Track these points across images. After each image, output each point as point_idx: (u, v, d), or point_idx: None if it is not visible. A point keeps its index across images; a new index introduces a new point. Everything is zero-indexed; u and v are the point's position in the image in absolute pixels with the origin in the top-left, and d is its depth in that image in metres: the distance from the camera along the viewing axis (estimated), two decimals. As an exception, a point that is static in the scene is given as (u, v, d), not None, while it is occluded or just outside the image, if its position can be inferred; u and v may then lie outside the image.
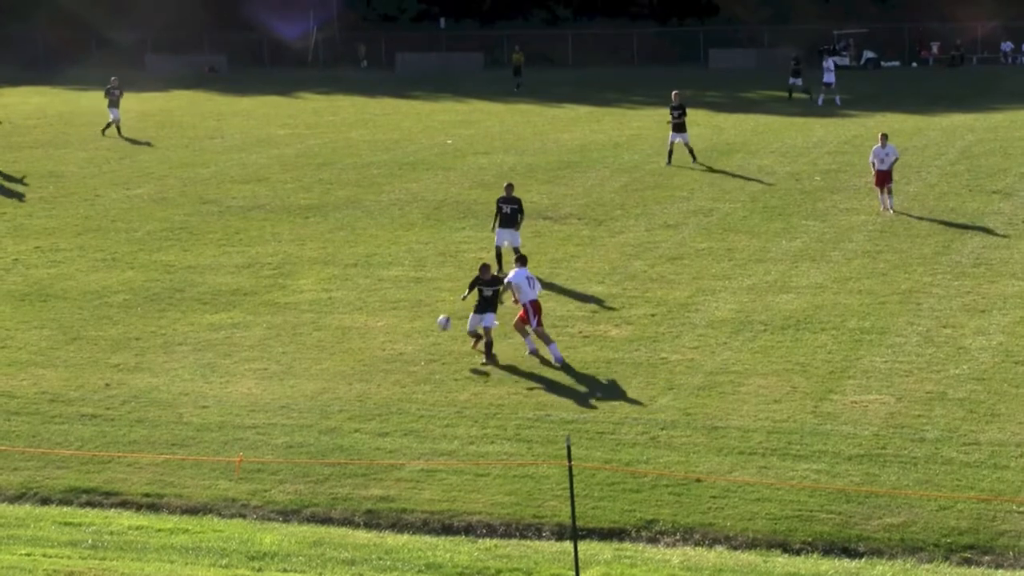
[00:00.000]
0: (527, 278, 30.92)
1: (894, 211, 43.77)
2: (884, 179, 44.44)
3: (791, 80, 79.41)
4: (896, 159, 44.70)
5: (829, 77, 76.15)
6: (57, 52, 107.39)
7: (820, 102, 75.33)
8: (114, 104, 65.88)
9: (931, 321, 32.55)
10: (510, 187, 38.57)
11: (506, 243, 37.66)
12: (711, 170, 52.92)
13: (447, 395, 28.40)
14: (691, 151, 54.80)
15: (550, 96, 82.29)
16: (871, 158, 44.89)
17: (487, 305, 30.91)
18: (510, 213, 37.72)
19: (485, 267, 31.66)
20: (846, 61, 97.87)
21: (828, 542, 21.72)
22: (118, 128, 65.65)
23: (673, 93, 55.83)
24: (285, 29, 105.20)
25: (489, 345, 30.67)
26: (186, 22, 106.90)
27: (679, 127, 54.87)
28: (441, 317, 31.49)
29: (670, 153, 54.98)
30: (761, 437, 25.65)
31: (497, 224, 37.90)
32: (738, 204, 46.71)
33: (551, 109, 76.00)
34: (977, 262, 37.83)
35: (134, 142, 63.71)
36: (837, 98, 75.61)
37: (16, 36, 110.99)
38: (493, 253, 37.92)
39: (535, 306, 30.66)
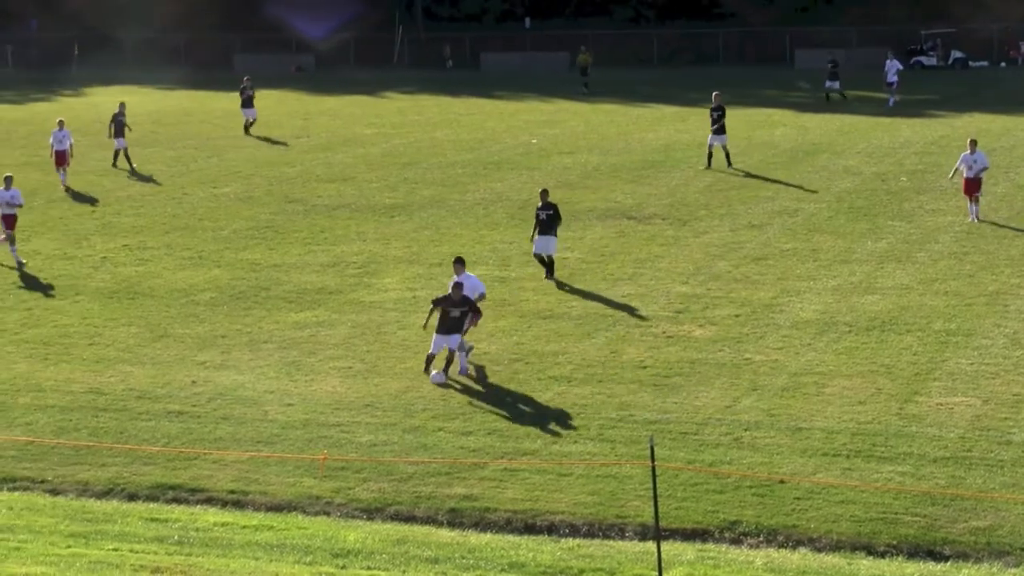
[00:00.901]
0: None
1: (978, 220, 42.82)
2: (971, 187, 43.43)
3: (827, 83, 78.61)
4: (985, 168, 43.36)
5: (892, 77, 75.23)
6: (146, 53, 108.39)
7: (892, 103, 74.53)
8: (247, 104, 66.50)
9: (1018, 323, 32.27)
10: (545, 193, 37.78)
11: (544, 252, 37.25)
12: (749, 175, 52.52)
13: (530, 394, 28.44)
14: (727, 155, 54.22)
15: (634, 96, 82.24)
16: (959, 164, 43.90)
17: (455, 326, 29.73)
18: (547, 220, 37.03)
19: (457, 286, 30.25)
20: (934, 61, 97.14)
21: (913, 545, 21.57)
22: (247, 127, 66.24)
23: (713, 94, 55.39)
24: (365, 24, 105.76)
25: (449, 362, 29.63)
26: (274, 23, 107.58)
27: (719, 130, 54.17)
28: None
29: (709, 156, 54.39)
30: (845, 439, 25.52)
31: (536, 232, 37.38)
32: (823, 204, 46.48)
33: (635, 109, 75.94)
34: (1066, 264, 37.49)
35: (272, 142, 64.17)
36: (891, 99, 74.70)
37: (108, 37, 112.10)
38: (540, 259, 37.46)
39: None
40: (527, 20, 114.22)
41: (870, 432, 25.80)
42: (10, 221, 40.58)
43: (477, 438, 26.18)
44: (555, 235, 37.26)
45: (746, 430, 26.14)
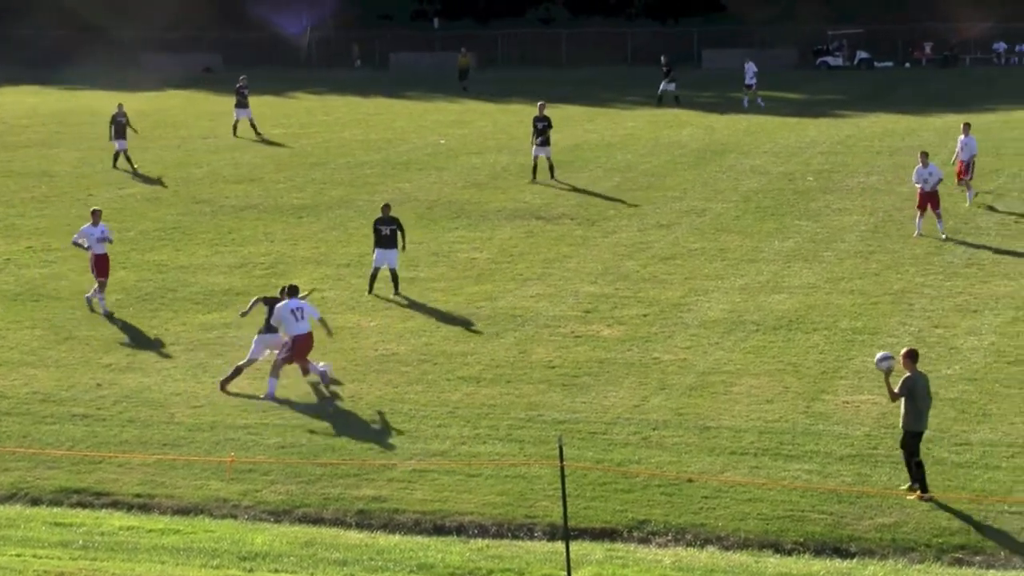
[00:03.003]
0: (293, 310, 28.78)
1: (945, 236, 40.77)
2: (928, 201, 41.27)
3: (664, 85, 75.73)
4: (940, 179, 41.69)
5: (750, 80, 75.06)
6: (53, 51, 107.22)
7: (747, 104, 74.57)
8: (242, 104, 65.43)
9: (923, 321, 32.58)
10: (387, 207, 36.89)
11: (385, 265, 36.14)
12: (575, 190, 52.64)
13: (439, 395, 28.39)
14: (551, 167, 51.53)
15: (544, 96, 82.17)
16: (914, 179, 41.94)
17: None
18: (389, 235, 36.05)
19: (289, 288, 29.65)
20: (840, 61, 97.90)
21: (820, 542, 21.72)
22: (252, 125, 65.18)
23: (539, 104, 53.14)
24: (283, 26, 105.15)
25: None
26: (183, 21, 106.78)
27: (544, 141, 51.47)
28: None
29: (534, 168, 51.62)
30: (753, 437, 25.67)
31: (376, 246, 36.31)
32: (731, 204, 46.72)
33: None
34: (969, 262, 37.86)
35: (268, 143, 63.53)
36: (760, 99, 74.64)
37: (15, 35, 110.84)
38: (376, 272, 36.52)
39: (298, 341, 28.74)
40: (435, 20, 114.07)
41: (777, 430, 25.96)
42: (103, 264, 35.20)
43: (386, 439, 26.09)
44: (397, 249, 36.12)
45: (654, 429, 26.22)
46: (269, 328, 29.24)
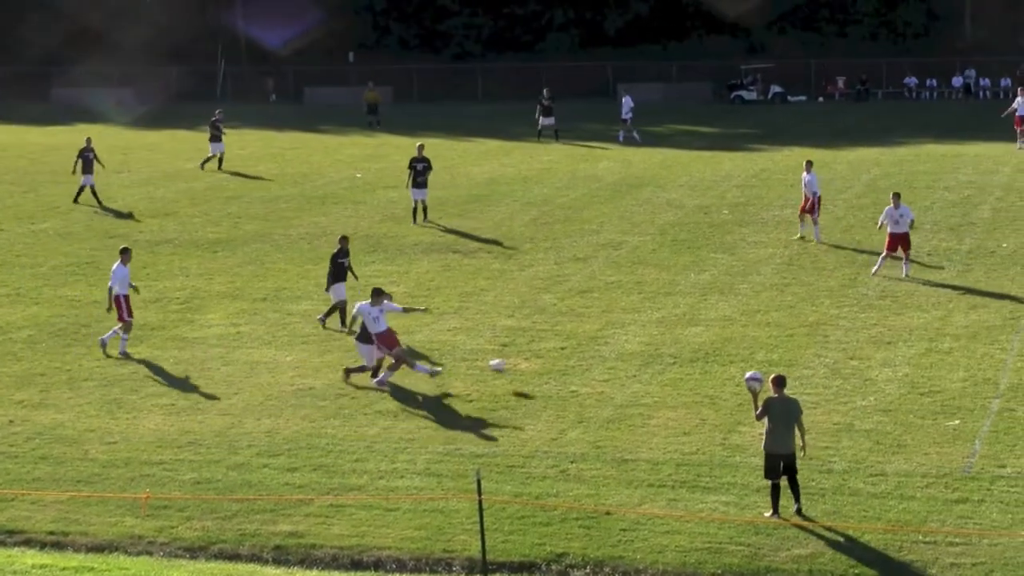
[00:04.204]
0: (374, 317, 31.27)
1: (908, 276, 39.99)
2: (899, 243, 40.18)
3: (542, 120, 75.15)
4: (912, 220, 40.81)
5: (626, 114, 74.81)
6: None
7: (622, 138, 74.52)
8: (216, 139, 64.73)
9: (838, 353, 32.80)
10: (345, 240, 37.01)
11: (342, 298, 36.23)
12: (492, 224, 52.93)
13: (356, 429, 28.28)
14: (425, 210, 49.95)
15: (460, 130, 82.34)
16: (882, 219, 40.85)
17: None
18: (349, 267, 36.41)
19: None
20: (754, 95, 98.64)
21: (737, 574, 21.78)
22: (220, 161, 64.71)
23: (418, 145, 52.08)
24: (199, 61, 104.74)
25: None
26: (95, 55, 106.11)
27: (422, 183, 50.06)
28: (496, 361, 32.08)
29: (414, 212, 50.04)
30: (671, 469, 25.72)
31: (337, 280, 36.21)
32: (647, 237, 46.89)
33: (461, 143, 76.04)
34: (883, 294, 38.16)
35: (238, 175, 62.96)
36: (635, 133, 74.41)
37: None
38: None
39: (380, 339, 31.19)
40: (351, 55, 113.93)
41: (695, 463, 26.03)
42: (126, 304, 34.16)
43: (303, 474, 25.94)
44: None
45: (572, 462, 26.22)
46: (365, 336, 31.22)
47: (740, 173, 61.15)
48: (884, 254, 40.56)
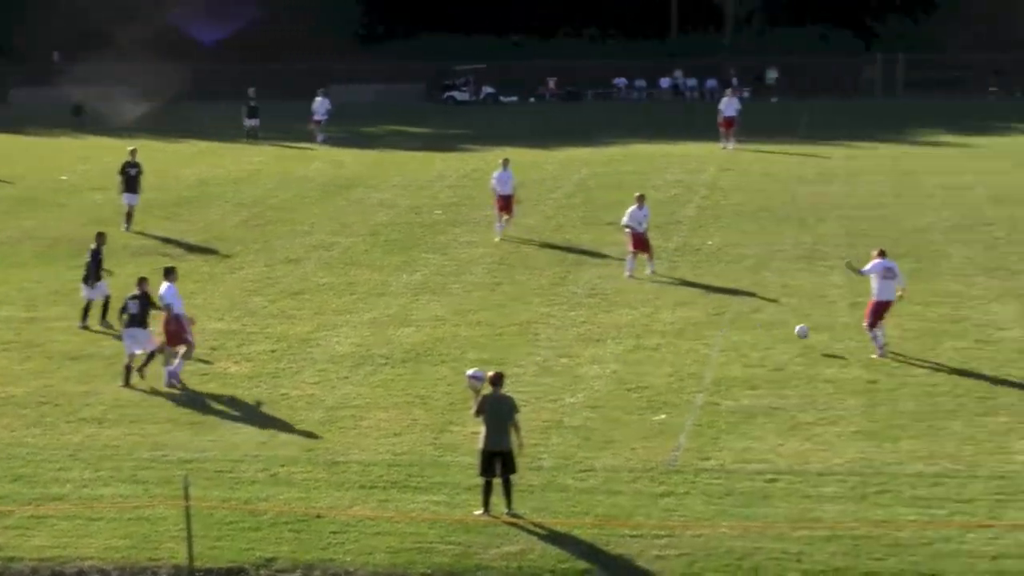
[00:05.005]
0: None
1: (653, 273, 40.60)
2: (640, 243, 40.70)
3: (248, 122, 74.65)
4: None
5: (321, 115, 74.44)
6: None
7: (321, 140, 73.51)
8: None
9: (548, 351, 33.11)
10: (100, 236, 36.70)
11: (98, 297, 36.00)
12: (202, 226, 52.63)
13: (59, 438, 27.58)
14: (131, 217, 48.48)
15: (169, 132, 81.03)
16: (626, 220, 41.14)
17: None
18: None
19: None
20: (467, 96, 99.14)
21: (448, 572, 21.79)
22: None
23: (130, 150, 50.58)
24: None
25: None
26: None
27: (133, 188, 48.63)
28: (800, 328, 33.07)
29: (128, 216, 48.50)
30: (382, 471, 25.65)
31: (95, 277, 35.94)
32: (359, 238, 46.74)
33: (171, 145, 74.80)
34: (592, 293, 38.66)
35: None
36: (321, 135, 73.52)
37: None
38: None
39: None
40: (56, 54, 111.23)
41: (406, 463, 26.01)
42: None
43: (1, 485, 25.18)
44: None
45: (283, 466, 25.97)
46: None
47: (452, 173, 61.36)
48: (631, 254, 40.84)
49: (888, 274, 32.31)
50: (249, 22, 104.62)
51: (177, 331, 30.99)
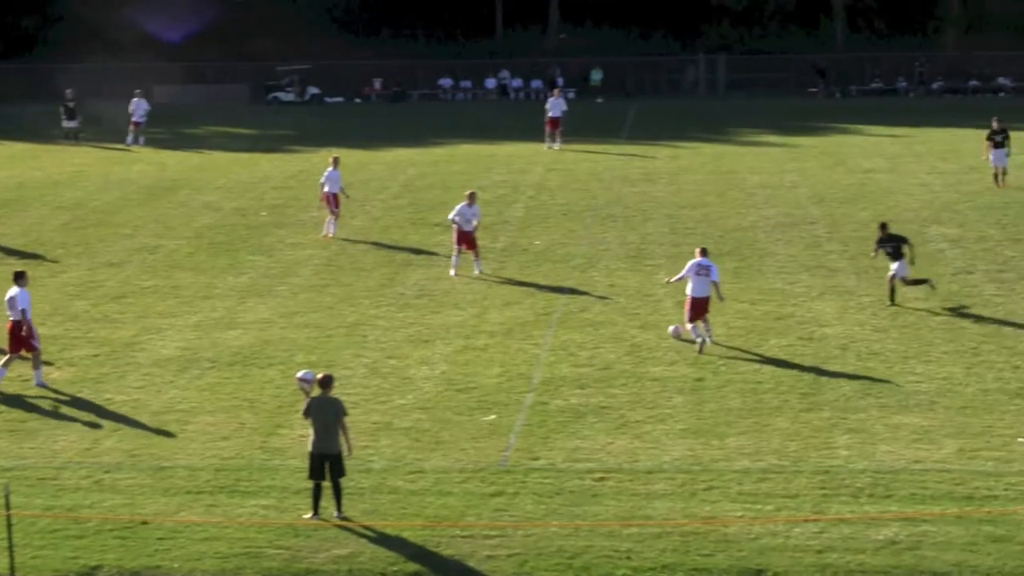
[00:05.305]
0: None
1: (481, 273, 40.55)
2: (465, 241, 40.67)
3: (66, 123, 72.91)
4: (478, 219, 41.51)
5: (139, 117, 73.16)
6: None
7: (131, 141, 72.30)
8: None
9: (377, 353, 32.97)
10: None
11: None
12: (20, 229, 51.94)
13: None
14: None
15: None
16: (453, 215, 41.09)
17: None
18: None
19: None
20: (291, 97, 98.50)
21: (278, 578, 21.59)
22: None
23: None
24: None
25: None
26: None
27: None
28: None
29: None
30: (209, 475, 25.34)
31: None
32: (184, 241, 46.17)
33: (-11, 146, 73.32)
34: (421, 294, 38.58)
35: None
36: (131, 138, 72.35)
37: None
38: None
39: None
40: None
41: (234, 467, 25.73)
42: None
43: None
44: None
45: (107, 472, 25.55)
46: None
47: (278, 175, 60.89)
48: (456, 250, 40.87)
49: (701, 271, 32.99)
50: (73, 20, 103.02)
51: (27, 337, 30.47)
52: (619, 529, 22.78)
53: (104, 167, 63.85)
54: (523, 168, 61.58)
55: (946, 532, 22.48)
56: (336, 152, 53.40)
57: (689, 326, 32.92)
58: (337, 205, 46.29)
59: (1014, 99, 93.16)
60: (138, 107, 73.34)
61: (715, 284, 33.04)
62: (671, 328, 33.81)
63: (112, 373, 31.58)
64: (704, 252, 33.44)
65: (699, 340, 32.59)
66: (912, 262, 36.74)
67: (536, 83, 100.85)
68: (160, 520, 23.35)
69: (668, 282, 34.96)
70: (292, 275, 41.04)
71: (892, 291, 36.48)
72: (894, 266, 36.35)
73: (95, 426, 28.02)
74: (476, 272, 40.59)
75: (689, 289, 32.97)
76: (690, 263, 33.19)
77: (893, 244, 36.53)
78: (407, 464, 25.78)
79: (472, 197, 41.36)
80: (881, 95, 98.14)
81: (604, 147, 68.43)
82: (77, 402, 29.53)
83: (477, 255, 41.16)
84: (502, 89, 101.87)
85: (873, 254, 37.70)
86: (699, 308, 32.82)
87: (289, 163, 64.93)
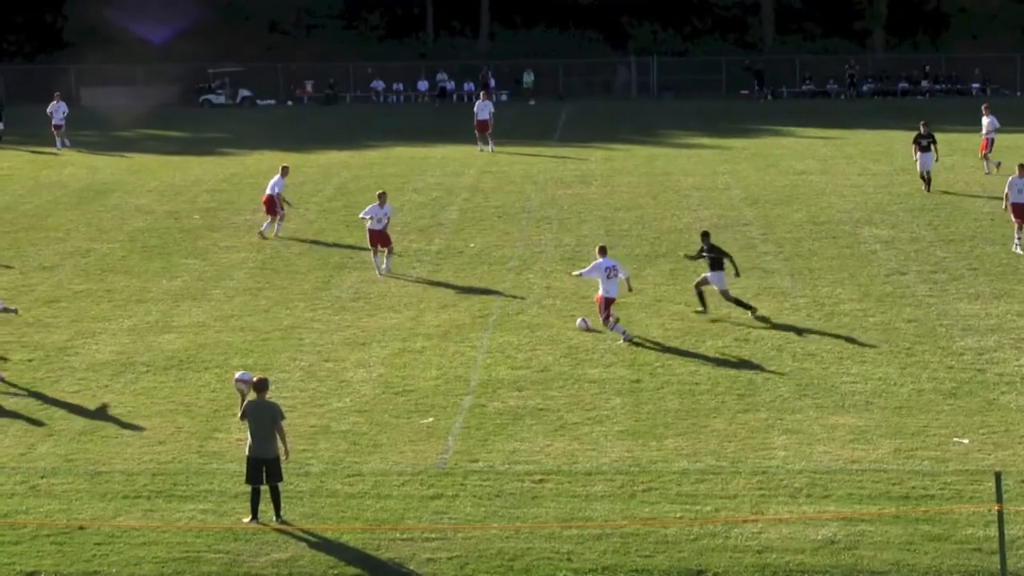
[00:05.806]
0: None
1: (388, 271, 40.76)
2: (379, 240, 40.94)
3: None
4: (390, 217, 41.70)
5: (57, 120, 72.24)
6: None
7: (59, 146, 71.51)
8: None
9: (313, 356, 32.86)
10: None
11: None
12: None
13: None
14: None
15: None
16: (364, 212, 41.42)
17: None
18: None
19: None
20: (223, 99, 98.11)
21: (217, 583, 21.48)
22: None
23: None
24: None
25: None
26: None
27: None
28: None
29: None
30: (146, 480, 25.18)
31: None
32: (116, 244, 45.88)
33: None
34: (356, 296, 38.48)
35: None
36: (59, 142, 71.79)
37: None
38: None
39: None
40: None
41: (171, 471, 25.58)
42: None
43: None
44: None
45: (43, 477, 25.35)
46: None
47: (211, 178, 60.63)
48: (372, 250, 41.09)
49: (611, 273, 33.72)
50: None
51: None
52: (559, 531, 22.79)
53: (33, 170, 63.38)
54: (457, 171, 61.58)
55: (884, 531, 22.62)
56: (269, 157, 53.19)
57: (610, 328, 33.44)
58: (280, 208, 46.24)
59: (941, 101, 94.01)
60: (57, 109, 72.72)
61: (626, 280, 34.00)
62: (579, 321, 34.43)
63: (46, 378, 31.34)
64: (604, 251, 34.16)
65: (620, 331, 33.27)
66: (738, 274, 36.69)
67: (469, 85, 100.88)
68: (97, 525, 23.18)
69: (572, 275, 35.95)
70: (226, 278, 40.86)
71: (701, 296, 36.10)
72: (710, 274, 35.94)
73: (29, 431, 27.78)
74: (384, 268, 40.80)
75: (602, 291, 33.65)
76: (595, 263, 33.98)
77: (713, 255, 36.04)
78: (345, 467, 25.71)
79: (383, 197, 41.67)
80: (812, 97, 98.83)
81: (538, 149, 68.52)
82: (10, 407, 29.25)
83: (389, 252, 41.28)
84: (441, 91, 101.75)
85: (689, 259, 37.84)
86: (611, 305, 33.73)
87: (222, 166, 64.68)
